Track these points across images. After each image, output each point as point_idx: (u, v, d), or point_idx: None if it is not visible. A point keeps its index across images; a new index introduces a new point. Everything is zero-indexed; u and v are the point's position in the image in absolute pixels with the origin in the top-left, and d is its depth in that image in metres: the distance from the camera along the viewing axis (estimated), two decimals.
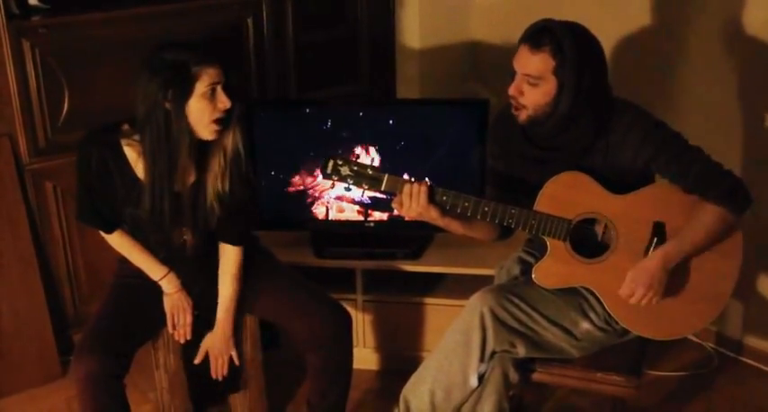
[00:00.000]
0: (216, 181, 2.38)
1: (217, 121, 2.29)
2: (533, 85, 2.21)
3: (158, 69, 2.22)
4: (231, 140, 2.36)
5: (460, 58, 3.89)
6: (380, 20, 3.75)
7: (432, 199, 2.22)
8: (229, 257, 2.52)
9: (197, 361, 2.55)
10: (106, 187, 2.38)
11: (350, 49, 3.74)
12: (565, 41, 2.16)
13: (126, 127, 2.35)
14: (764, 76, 2.89)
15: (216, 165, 2.37)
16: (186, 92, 2.23)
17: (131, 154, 2.35)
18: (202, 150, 2.37)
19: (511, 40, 3.63)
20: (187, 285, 2.54)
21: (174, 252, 2.48)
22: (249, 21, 3.35)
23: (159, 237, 2.45)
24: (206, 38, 3.13)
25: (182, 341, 2.55)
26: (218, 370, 2.57)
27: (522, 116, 2.26)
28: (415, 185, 2.21)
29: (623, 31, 3.18)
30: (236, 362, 2.57)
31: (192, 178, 2.41)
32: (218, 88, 2.26)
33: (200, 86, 2.23)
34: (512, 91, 2.25)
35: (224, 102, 2.27)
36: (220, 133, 2.32)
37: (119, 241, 2.51)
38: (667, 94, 3.12)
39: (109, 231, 2.50)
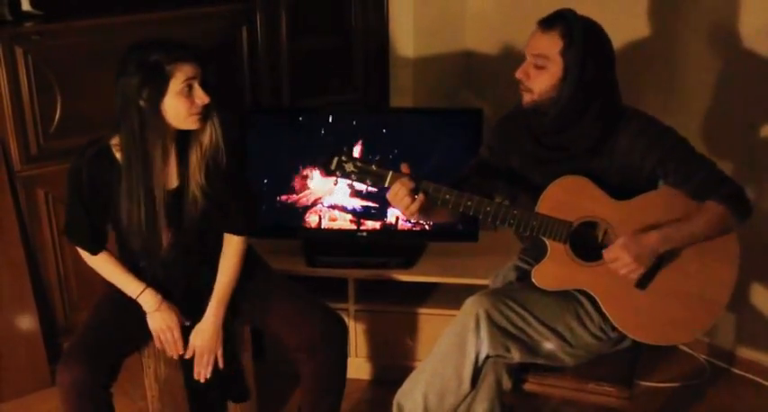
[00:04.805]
0: (195, 175, 2.38)
1: (196, 114, 2.30)
2: (540, 68, 2.24)
3: (133, 70, 2.24)
4: (208, 135, 2.37)
5: (454, 67, 3.90)
6: (375, 28, 3.75)
7: (432, 200, 2.23)
8: (231, 247, 2.53)
9: (187, 356, 2.50)
10: (98, 203, 2.39)
11: (344, 58, 3.74)
12: (576, 27, 2.20)
13: (111, 134, 2.36)
14: (756, 81, 2.90)
15: (194, 159, 2.38)
16: (161, 90, 2.24)
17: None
18: (182, 148, 2.38)
19: (505, 49, 3.68)
20: (171, 288, 2.51)
21: (156, 255, 2.46)
22: (243, 29, 3.35)
23: (139, 240, 2.41)
24: (200, 46, 3.13)
25: (175, 357, 2.52)
26: (203, 370, 2.51)
27: (527, 99, 2.29)
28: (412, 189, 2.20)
29: (618, 37, 3.18)
30: (221, 364, 2.52)
31: (176, 178, 2.41)
32: (195, 84, 2.28)
33: (175, 84, 2.25)
34: (518, 74, 2.28)
35: (202, 97, 2.28)
36: (203, 122, 2.33)
37: (100, 264, 2.49)
38: (661, 97, 3.12)
39: (94, 252, 2.48)
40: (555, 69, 2.23)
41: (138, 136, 2.27)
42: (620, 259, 2.21)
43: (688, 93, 3.09)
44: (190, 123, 2.31)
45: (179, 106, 2.27)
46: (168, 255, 2.45)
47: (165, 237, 2.42)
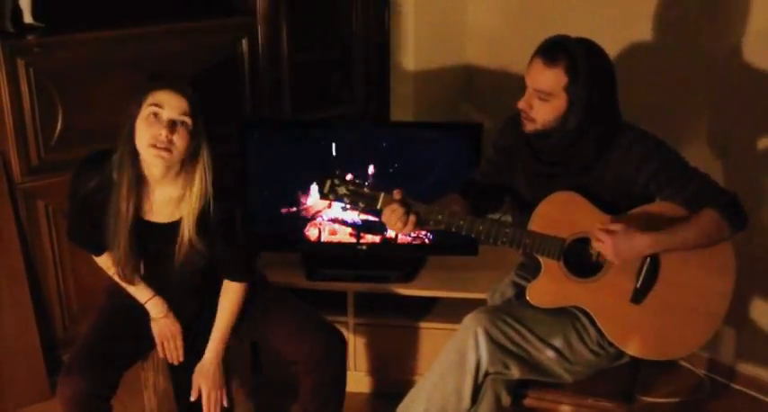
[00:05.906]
0: (189, 219, 2.33)
1: (154, 146, 2.22)
2: (543, 101, 2.23)
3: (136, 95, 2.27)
4: (198, 182, 2.31)
5: (454, 80, 3.90)
6: (375, 41, 3.76)
7: (424, 221, 2.23)
8: (229, 291, 2.50)
9: (193, 398, 2.49)
10: (95, 217, 2.38)
11: (345, 70, 3.75)
12: (579, 58, 2.18)
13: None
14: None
15: (187, 204, 2.33)
16: (134, 112, 2.24)
17: None
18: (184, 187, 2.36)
19: (505, 63, 3.69)
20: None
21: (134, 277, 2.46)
22: (244, 41, 3.36)
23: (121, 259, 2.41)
24: (201, 58, 3.14)
25: (175, 363, 2.53)
26: (212, 408, 2.49)
27: (529, 128, 2.29)
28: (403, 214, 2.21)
29: (617, 53, 3.20)
30: (225, 402, 2.51)
31: (175, 212, 2.38)
32: (164, 116, 2.22)
33: (143, 108, 2.23)
34: (521, 105, 2.27)
35: (160, 130, 2.21)
36: (162, 159, 2.24)
37: (107, 264, 2.51)
38: (658, 120, 3.13)
39: (97, 254, 2.51)
40: (559, 103, 2.22)
41: (119, 155, 2.28)
42: (606, 245, 2.19)
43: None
44: (147, 154, 2.24)
45: (141, 132, 2.23)
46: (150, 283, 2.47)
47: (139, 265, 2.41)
